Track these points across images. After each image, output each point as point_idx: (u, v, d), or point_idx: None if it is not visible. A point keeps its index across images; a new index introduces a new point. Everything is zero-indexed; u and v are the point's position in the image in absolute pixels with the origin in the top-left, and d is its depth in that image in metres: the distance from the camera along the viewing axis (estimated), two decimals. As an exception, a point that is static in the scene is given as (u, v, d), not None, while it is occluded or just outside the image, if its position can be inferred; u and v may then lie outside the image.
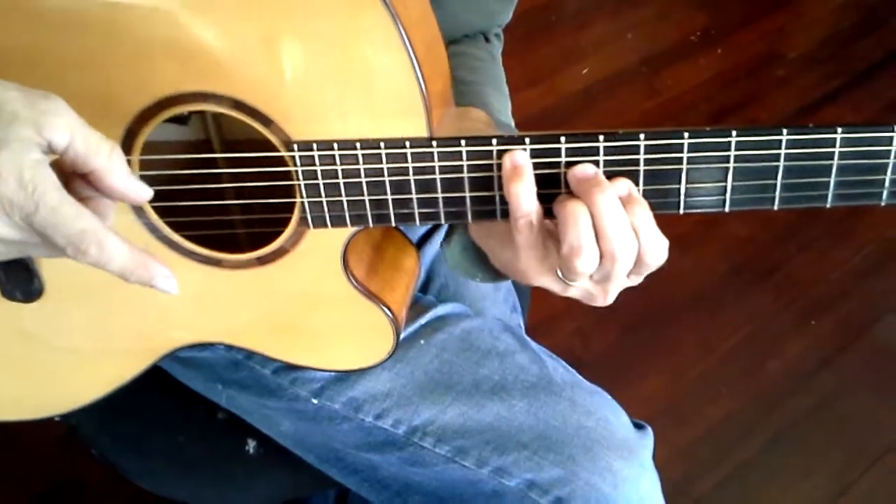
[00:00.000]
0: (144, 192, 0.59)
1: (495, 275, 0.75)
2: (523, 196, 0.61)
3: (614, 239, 0.59)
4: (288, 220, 0.67)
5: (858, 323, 1.85)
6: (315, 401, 0.82)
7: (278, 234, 0.69)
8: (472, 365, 0.81)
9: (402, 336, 0.78)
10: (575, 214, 0.60)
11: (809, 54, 2.54)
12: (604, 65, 2.45)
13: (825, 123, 0.60)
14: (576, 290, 0.65)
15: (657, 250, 0.61)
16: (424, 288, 0.97)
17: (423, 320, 0.85)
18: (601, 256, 0.60)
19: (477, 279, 0.77)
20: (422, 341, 0.83)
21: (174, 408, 0.97)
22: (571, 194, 0.62)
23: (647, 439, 0.82)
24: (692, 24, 2.60)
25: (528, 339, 0.87)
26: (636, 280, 0.64)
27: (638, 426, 0.83)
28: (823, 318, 1.86)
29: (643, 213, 0.61)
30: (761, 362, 1.77)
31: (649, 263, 0.62)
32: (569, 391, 0.80)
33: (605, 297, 0.65)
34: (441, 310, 0.86)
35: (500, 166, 0.62)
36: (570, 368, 0.84)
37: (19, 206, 0.52)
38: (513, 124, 0.85)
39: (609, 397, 0.83)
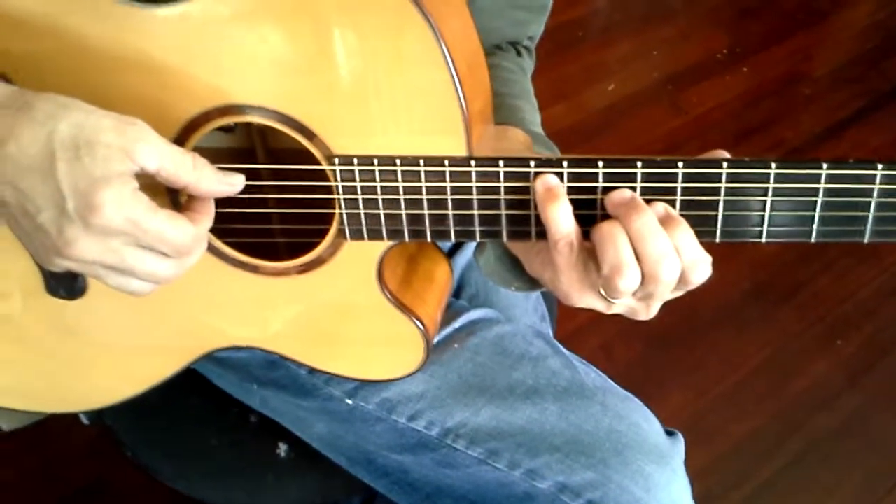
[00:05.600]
0: (237, 182, 0.63)
1: (531, 283, 0.75)
2: (561, 217, 0.61)
3: (657, 261, 0.59)
4: (326, 231, 0.68)
5: (884, 343, 1.84)
6: (349, 401, 0.83)
7: (316, 244, 0.70)
8: (505, 369, 0.82)
9: (435, 340, 0.79)
10: (612, 235, 0.60)
11: (836, 74, 2.53)
12: (629, 82, 2.45)
13: (864, 159, 0.58)
14: (619, 307, 0.65)
15: (700, 268, 0.61)
16: (456, 295, 0.98)
17: (456, 324, 0.85)
18: (644, 277, 0.60)
19: (513, 288, 0.77)
20: (456, 345, 0.84)
21: (207, 411, 0.98)
22: (608, 217, 0.62)
23: (679, 445, 0.82)
24: (718, 42, 2.60)
25: (559, 345, 0.87)
26: (679, 293, 0.64)
27: (669, 433, 0.83)
28: (849, 337, 1.85)
29: (683, 233, 0.60)
30: (786, 381, 1.76)
31: (693, 281, 0.62)
32: (601, 396, 0.81)
33: (648, 312, 0.65)
34: (474, 314, 0.87)
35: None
36: (602, 374, 0.85)
37: (132, 236, 0.57)
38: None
39: (640, 403, 0.84)
